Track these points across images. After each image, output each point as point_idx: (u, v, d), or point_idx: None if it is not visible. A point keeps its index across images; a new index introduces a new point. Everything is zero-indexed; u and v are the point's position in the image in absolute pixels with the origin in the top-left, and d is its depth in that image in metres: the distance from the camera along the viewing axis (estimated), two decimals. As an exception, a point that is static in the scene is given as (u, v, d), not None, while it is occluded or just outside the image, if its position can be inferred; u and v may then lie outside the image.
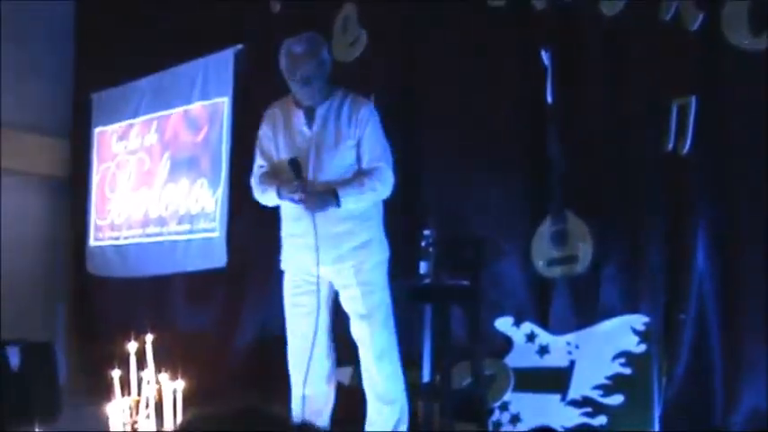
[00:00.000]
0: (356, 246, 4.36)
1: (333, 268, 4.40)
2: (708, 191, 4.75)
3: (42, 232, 7.69)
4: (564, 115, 5.17)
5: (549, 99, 5.16)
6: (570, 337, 5.07)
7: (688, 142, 4.75)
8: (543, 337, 5.16)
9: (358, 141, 4.38)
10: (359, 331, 4.41)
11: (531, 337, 5.19)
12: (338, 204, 4.27)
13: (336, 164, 4.36)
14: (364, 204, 4.37)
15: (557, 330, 5.14)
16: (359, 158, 4.40)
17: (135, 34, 7.40)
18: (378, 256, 4.45)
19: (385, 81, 5.83)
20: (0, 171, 7.23)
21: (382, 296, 4.44)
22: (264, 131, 4.60)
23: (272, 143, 4.53)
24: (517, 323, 5.26)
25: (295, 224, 4.46)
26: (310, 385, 4.43)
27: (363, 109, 4.40)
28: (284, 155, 4.43)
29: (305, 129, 4.43)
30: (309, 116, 4.42)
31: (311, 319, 4.43)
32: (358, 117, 4.37)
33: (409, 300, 4.89)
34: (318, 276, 4.41)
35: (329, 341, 4.53)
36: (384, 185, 4.39)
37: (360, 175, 4.36)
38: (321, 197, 4.28)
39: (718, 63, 4.71)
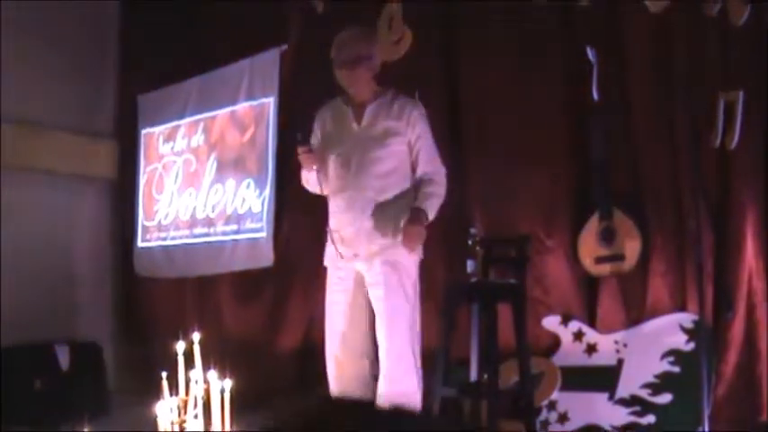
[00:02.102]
0: (386, 244, 4.40)
1: (364, 265, 4.46)
2: (756, 186, 4.77)
3: (91, 233, 7.81)
4: (610, 112, 5.22)
5: (595, 96, 5.21)
6: (618, 335, 5.12)
7: (736, 137, 4.77)
8: (591, 335, 5.21)
9: (410, 141, 4.45)
10: (379, 331, 4.42)
11: (578, 336, 5.25)
12: (426, 225, 4.41)
13: (382, 159, 4.42)
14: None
15: (604, 328, 5.20)
16: (414, 159, 4.49)
17: (179, 36, 7.49)
18: (410, 256, 4.46)
19: (429, 79, 5.89)
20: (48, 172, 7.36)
21: (407, 297, 4.44)
22: (314, 131, 4.68)
23: (321, 141, 4.60)
24: (565, 321, 5.32)
25: (333, 219, 4.55)
26: (345, 387, 4.47)
27: (415, 109, 4.47)
28: (332, 152, 4.51)
29: (354, 125, 4.50)
30: (358, 113, 4.49)
31: (343, 317, 4.52)
32: (411, 115, 4.44)
33: (456, 299, 4.90)
34: (352, 273, 4.48)
35: (365, 340, 4.54)
36: (442, 186, 4.52)
37: (428, 184, 4.46)
38: (414, 230, 4.37)
39: (765, 58, 4.71)
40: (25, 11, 7.17)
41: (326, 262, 4.68)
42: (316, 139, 4.68)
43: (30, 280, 6.99)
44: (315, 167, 4.53)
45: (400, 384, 4.38)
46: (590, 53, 5.24)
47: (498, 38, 5.75)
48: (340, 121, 4.55)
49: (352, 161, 4.43)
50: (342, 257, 4.50)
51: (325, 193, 4.69)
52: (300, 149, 4.51)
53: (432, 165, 4.47)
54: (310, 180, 4.68)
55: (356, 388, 4.53)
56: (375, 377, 4.51)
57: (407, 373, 4.41)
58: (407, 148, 4.47)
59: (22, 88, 7.14)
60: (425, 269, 4.72)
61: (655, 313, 5.03)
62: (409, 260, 4.47)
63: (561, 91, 5.53)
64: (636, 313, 5.11)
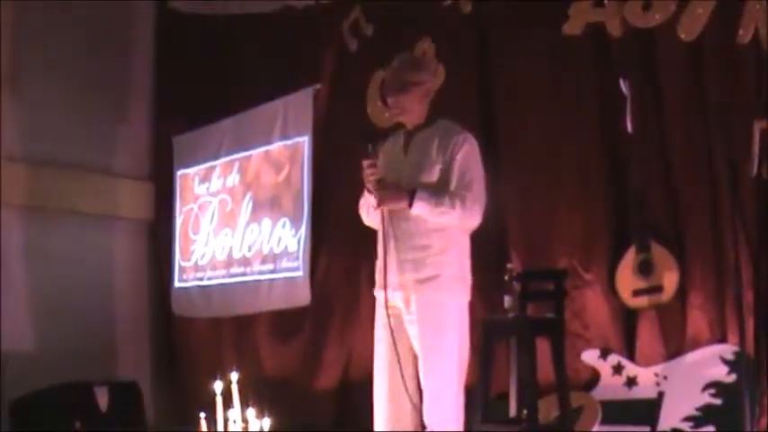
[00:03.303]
0: (421, 279, 4.20)
1: (401, 300, 4.27)
2: (795, 215, 4.75)
3: (128, 274, 7.87)
4: (645, 143, 5.23)
5: (629, 128, 5.22)
6: (658, 368, 5.10)
7: (772, 166, 4.78)
8: (631, 368, 5.18)
9: (446, 166, 4.25)
10: (420, 373, 4.24)
11: (618, 369, 5.22)
12: (410, 203, 4.15)
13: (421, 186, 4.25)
14: (438, 220, 4.21)
15: (644, 361, 5.17)
16: (446, 182, 4.25)
17: (213, 76, 7.58)
18: (448, 295, 4.24)
19: (464, 113, 5.92)
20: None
21: (448, 340, 4.21)
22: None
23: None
24: (604, 355, 5.29)
25: (379, 246, 4.39)
26: (387, 428, 4.30)
27: (457, 135, 4.30)
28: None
29: (402, 154, 4.42)
30: (408, 142, 4.40)
31: (385, 357, 4.32)
32: (450, 142, 4.26)
33: (494, 334, 4.88)
34: (394, 307, 4.28)
35: (409, 380, 4.29)
36: (464, 211, 4.19)
37: (443, 191, 4.22)
38: (395, 188, 4.19)
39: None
40: (60, 51, 7.30)
41: (375, 292, 4.52)
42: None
43: (69, 321, 7.08)
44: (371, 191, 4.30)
45: (440, 428, 4.22)
46: (623, 85, 5.26)
47: (531, 70, 5.78)
48: (393, 150, 4.46)
49: None
50: (382, 288, 4.33)
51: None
52: (366, 162, 4.25)
53: (461, 189, 4.22)
54: (369, 209, 4.43)
55: (397, 429, 4.36)
56: (422, 424, 4.30)
57: (447, 419, 4.24)
58: (447, 174, 4.27)
59: (60, 130, 7.26)
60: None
61: (695, 345, 5.01)
62: (452, 297, 4.28)
63: (596, 122, 5.55)
64: (675, 345, 5.09)
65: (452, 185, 4.23)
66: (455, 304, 4.28)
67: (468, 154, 4.29)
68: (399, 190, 4.21)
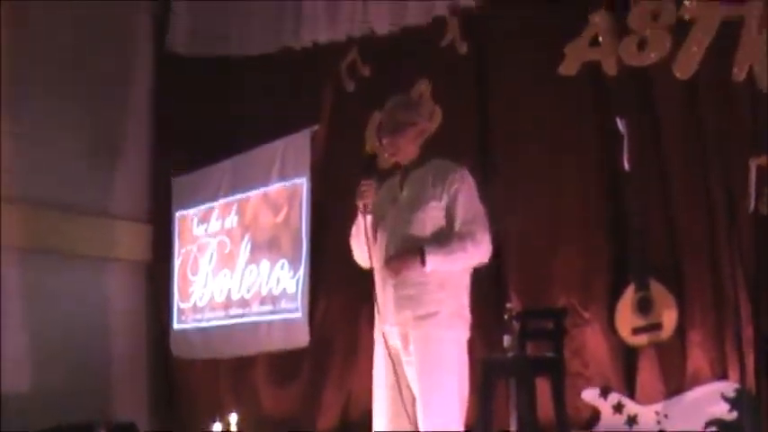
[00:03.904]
0: (419, 316, 4.08)
1: (398, 339, 4.16)
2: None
3: (127, 315, 7.87)
4: (642, 181, 5.26)
5: (626, 166, 5.26)
6: (659, 406, 5.09)
7: (769, 202, 4.80)
8: (631, 406, 5.17)
9: (447, 206, 4.17)
10: (418, 412, 4.09)
11: (618, 408, 5.20)
12: (423, 263, 4.01)
13: (414, 223, 4.17)
14: (454, 267, 4.11)
15: (645, 399, 5.16)
16: (450, 224, 4.16)
17: (212, 118, 7.62)
18: (446, 332, 4.09)
19: (462, 153, 5.93)
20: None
21: (447, 377, 4.07)
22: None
23: (374, 211, 4.33)
24: (604, 394, 5.27)
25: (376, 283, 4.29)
26: None
27: (452, 173, 4.21)
28: (379, 221, 4.28)
29: (397, 191, 4.35)
30: (404, 178, 4.33)
31: (384, 399, 4.20)
32: (446, 179, 4.19)
33: (494, 374, 4.89)
34: (392, 347, 4.16)
35: (408, 425, 4.12)
36: (476, 247, 4.09)
37: (449, 236, 4.12)
38: (400, 255, 4.08)
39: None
40: (59, 93, 7.36)
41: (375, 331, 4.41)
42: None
43: (67, 362, 7.07)
44: (365, 210, 4.22)
45: None
46: (620, 123, 5.29)
47: (529, 110, 5.84)
48: (389, 190, 4.42)
49: (388, 228, 4.25)
50: (379, 327, 4.25)
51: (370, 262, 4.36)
52: (364, 182, 4.20)
53: (467, 225, 4.13)
54: (361, 236, 4.31)
55: None
56: None
57: None
58: (443, 213, 4.18)
59: (58, 172, 7.31)
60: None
61: (695, 383, 5.01)
62: (451, 334, 4.13)
63: (595, 161, 5.60)
64: (676, 383, 5.09)
65: (457, 225, 4.15)
66: (454, 341, 4.15)
67: (467, 190, 4.22)
68: (405, 255, 4.11)
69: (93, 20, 7.58)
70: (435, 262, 4.04)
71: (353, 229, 4.36)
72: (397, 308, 4.14)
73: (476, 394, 4.58)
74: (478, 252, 4.13)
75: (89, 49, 7.54)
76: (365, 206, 4.20)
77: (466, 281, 4.24)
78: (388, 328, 4.18)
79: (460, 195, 4.18)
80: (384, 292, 4.18)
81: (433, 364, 4.07)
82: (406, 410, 4.12)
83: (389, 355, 4.13)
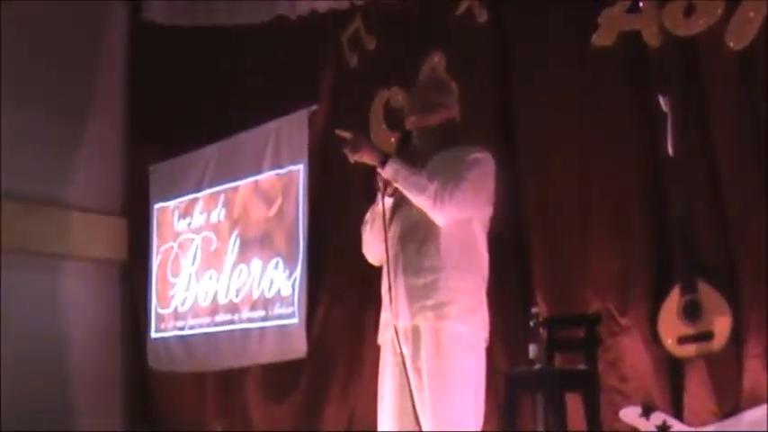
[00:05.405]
0: (433, 306, 4.11)
1: (408, 339, 4.18)
2: None
3: (97, 323, 7.85)
4: (689, 167, 5.17)
5: (671, 150, 5.16)
6: (710, 427, 4.99)
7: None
8: (678, 428, 5.09)
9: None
10: (426, 424, 4.09)
11: (663, 429, 5.12)
12: (382, 162, 4.17)
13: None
14: (406, 191, 4.18)
15: (694, 420, 5.07)
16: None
17: (194, 98, 7.64)
18: (462, 327, 4.12)
19: (480, 135, 5.87)
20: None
21: (459, 386, 4.09)
22: None
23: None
24: (646, 413, 5.19)
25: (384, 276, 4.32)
26: None
27: (472, 153, 4.30)
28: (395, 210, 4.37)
29: None
30: (423, 164, 4.34)
31: (390, 409, 4.22)
32: (464, 159, 4.27)
33: (518, 389, 4.86)
34: (398, 351, 4.18)
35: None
36: (437, 200, 4.12)
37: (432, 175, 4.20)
38: (369, 143, 4.36)
39: None
40: (18, 72, 7.31)
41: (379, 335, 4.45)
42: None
43: (28, 377, 7.03)
44: (384, 192, 4.27)
45: None
46: (662, 101, 5.20)
47: (557, 86, 5.78)
48: None
49: (402, 214, 4.29)
50: (384, 331, 4.30)
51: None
52: (339, 132, 4.39)
53: (454, 182, 4.14)
54: (372, 224, 4.40)
55: None
56: None
57: None
58: None
59: (20, 162, 7.26)
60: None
61: (753, 401, 4.89)
62: (465, 333, 4.14)
63: (633, 145, 5.52)
64: (731, 402, 4.98)
65: (448, 175, 4.18)
66: (469, 342, 4.17)
67: (479, 165, 4.28)
68: (372, 145, 4.35)
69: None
70: (393, 172, 4.17)
71: (368, 216, 4.41)
72: (409, 299, 4.18)
73: (498, 412, 4.62)
74: (436, 206, 4.16)
75: (56, 21, 7.56)
76: (385, 187, 4.24)
77: (484, 270, 4.29)
78: (399, 325, 4.17)
79: (470, 164, 4.24)
80: (395, 284, 4.22)
81: (446, 366, 4.09)
82: (415, 414, 4.10)
83: (399, 353, 4.14)
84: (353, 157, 4.28)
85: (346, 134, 4.29)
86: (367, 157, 4.24)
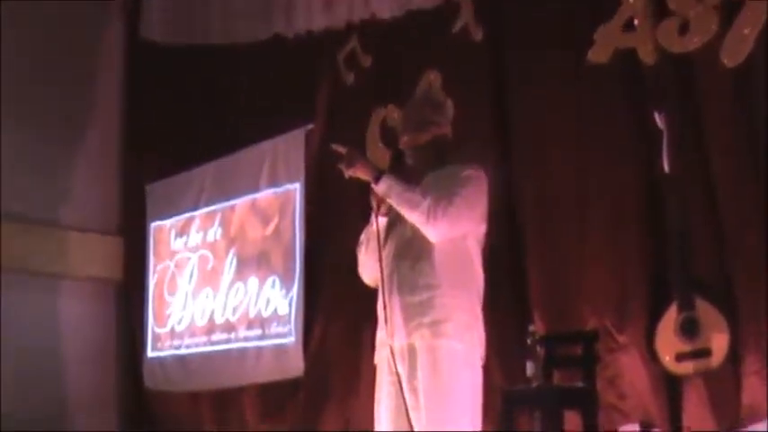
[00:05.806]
0: (429, 323, 4.10)
1: (400, 357, 4.16)
2: None
3: (93, 343, 7.83)
4: (685, 182, 5.15)
5: (666, 167, 5.15)
6: (709, 445, 4.98)
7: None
8: (677, 445, 5.08)
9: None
10: None
11: (662, 447, 5.13)
12: (376, 177, 4.17)
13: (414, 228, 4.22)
14: (398, 207, 4.17)
15: (692, 439, 5.06)
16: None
17: (191, 117, 7.64)
18: (458, 345, 4.10)
19: (476, 152, 5.87)
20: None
21: (455, 405, 4.07)
22: None
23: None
24: (645, 430, 5.18)
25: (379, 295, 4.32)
26: None
27: (465, 170, 4.29)
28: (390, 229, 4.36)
29: None
30: (417, 184, 4.32)
31: (386, 428, 4.20)
32: (458, 176, 4.27)
33: (515, 407, 4.86)
34: (394, 371, 4.15)
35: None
36: (429, 216, 4.11)
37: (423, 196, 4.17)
38: (364, 158, 4.36)
39: None
40: (23, 97, 7.34)
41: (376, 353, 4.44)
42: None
43: (29, 394, 7.03)
44: (378, 211, 4.27)
45: None
46: (658, 118, 5.20)
47: (553, 103, 5.77)
48: None
49: (397, 233, 4.29)
50: (381, 350, 4.28)
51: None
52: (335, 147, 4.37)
53: (448, 198, 4.13)
54: (369, 243, 4.38)
55: None
56: None
57: None
58: None
59: (18, 183, 7.26)
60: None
61: (753, 418, 4.87)
62: (461, 351, 4.13)
63: (629, 161, 5.51)
64: (730, 419, 4.95)
65: (442, 191, 4.17)
66: (466, 360, 4.16)
67: (472, 181, 4.27)
68: (367, 161, 4.35)
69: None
70: (387, 187, 4.17)
71: (362, 236, 4.42)
72: (405, 318, 4.17)
73: (496, 430, 4.55)
74: (429, 222, 4.15)
75: (52, 38, 7.56)
76: (379, 206, 4.25)
77: (480, 286, 4.29)
78: (395, 344, 4.17)
79: (463, 180, 4.24)
80: (390, 303, 4.21)
81: (442, 386, 4.08)
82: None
83: (395, 373, 4.12)
84: (348, 171, 4.28)
85: (341, 149, 4.29)
86: (361, 173, 4.25)
